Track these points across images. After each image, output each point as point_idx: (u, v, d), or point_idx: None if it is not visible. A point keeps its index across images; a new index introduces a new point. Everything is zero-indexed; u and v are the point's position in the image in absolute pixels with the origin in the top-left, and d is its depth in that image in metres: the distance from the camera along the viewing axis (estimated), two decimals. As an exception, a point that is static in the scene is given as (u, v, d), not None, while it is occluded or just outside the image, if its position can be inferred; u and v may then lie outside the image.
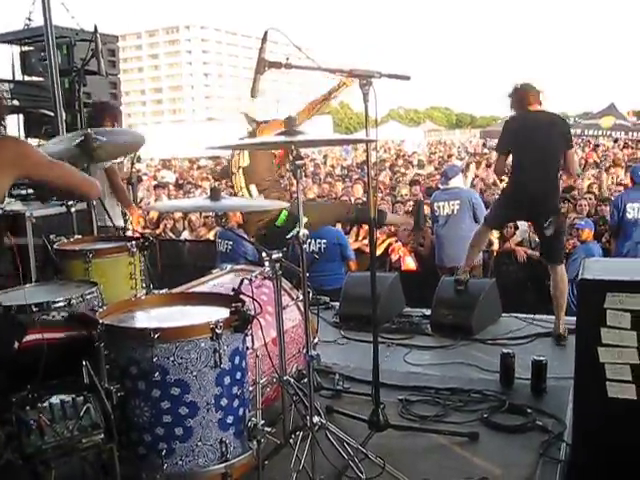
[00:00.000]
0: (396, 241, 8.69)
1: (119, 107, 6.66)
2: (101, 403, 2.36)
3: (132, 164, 5.86)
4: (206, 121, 70.98)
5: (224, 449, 2.56)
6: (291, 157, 2.94)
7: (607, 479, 3.00)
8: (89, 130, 4.06)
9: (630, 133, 19.15)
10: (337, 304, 6.03)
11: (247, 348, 2.73)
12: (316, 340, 3.79)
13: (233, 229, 7.29)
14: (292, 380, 3.25)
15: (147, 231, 10.15)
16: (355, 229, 9.21)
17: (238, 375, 2.63)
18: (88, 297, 3.08)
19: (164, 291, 3.28)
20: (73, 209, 4.43)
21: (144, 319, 2.81)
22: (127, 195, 6.01)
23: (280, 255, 3.06)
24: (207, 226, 10.47)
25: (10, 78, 6.94)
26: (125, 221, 5.09)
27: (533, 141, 5.08)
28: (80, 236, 4.16)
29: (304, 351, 3.17)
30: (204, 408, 2.52)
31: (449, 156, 23.52)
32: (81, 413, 2.31)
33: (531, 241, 8.27)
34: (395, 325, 5.65)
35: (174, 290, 3.40)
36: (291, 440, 3.06)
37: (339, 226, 9.35)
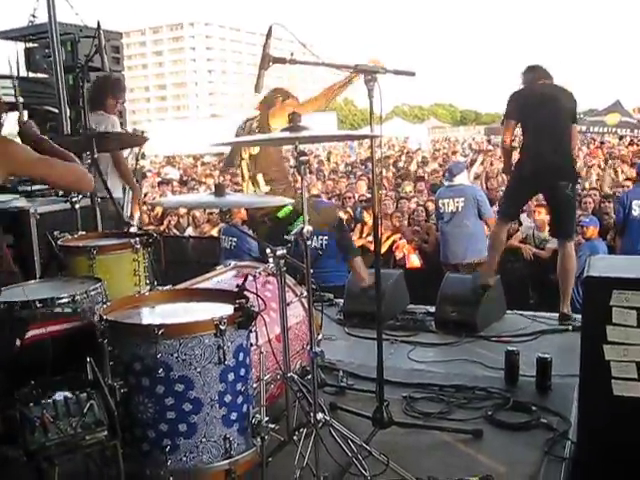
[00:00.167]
0: (400, 238, 8.68)
1: (123, 82, 6.62)
2: (104, 400, 2.35)
3: (136, 161, 5.86)
4: (210, 117, 70.99)
5: (228, 446, 2.55)
6: (295, 153, 2.93)
7: (612, 477, 2.99)
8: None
9: (636, 130, 19.05)
10: (341, 301, 6.02)
11: (251, 344, 2.72)
12: (320, 337, 3.79)
13: (237, 225, 7.28)
14: (296, 377, 3.24)
15: (151, 227, 10.17)
16: (359, 226, 9.21)
17: (242, 372, 2.62)
18: (92, 293, 3.07)
19: (168, 287, 3.28)
20: (77, 205, 4.43)
21: (148, 315, 2.80)
22: (132, 177, 6.00)
23: (284, 252, 3.05)
24: (211, 222, 10.47)
25: (15, 75, 6.96)
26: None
27: (542, 109, 5.07)
28: (84, 232, 4.17)
29: (308, 348, 3.16)
30: (208, 404, 2.51)
31: (453, 153, 23.50)
32: (85, 410, 2.31)
33: (535, 238, 8.25)
34: (399, 322, 5.64)
35: (178, 286, 3.39)
36: (295, 437, 3.06)
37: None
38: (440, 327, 5.50)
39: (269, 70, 3.34)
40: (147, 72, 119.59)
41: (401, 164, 19.09)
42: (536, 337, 5.15)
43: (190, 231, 10.60)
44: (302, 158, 2.92)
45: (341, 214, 9.54)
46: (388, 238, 8.62)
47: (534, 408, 3.84)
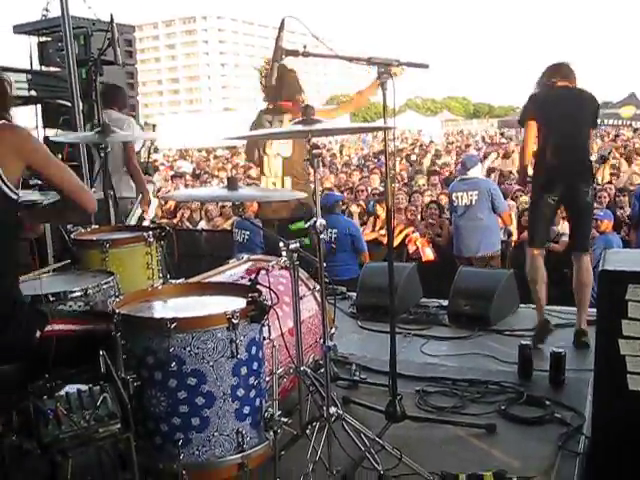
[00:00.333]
0: (413, 232, 8.66)
1: (125, 94, 6.63)
2: (118, 393, 2.36)
3: (149, 154, 5.88)
4: (223, 111, 70.99)
5: (240, 439, 2.55)
6: (308, 146, 2.92)
7: (627, 473, 2.96)
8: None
9: (651, 123, 18.93)
10: (354, 294, 6.01)
11: (264, 338, 2.71)
12: (333, 330, 3.78)
13: (250, 219, 7.28)
14: (309, 370, 3.25)
15: (164, 221, 10.19)
16: (372, 219, 9.19)
17: (255, 365, 2.62)
18: (105, 287, 3.09)
19: (181, 281, 3.28)
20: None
21: (161, 309, 2.80)
22: (143, 180, 6.03)
23: (297, 245, 3.05)
24: (224, 216, 10.48)
25: (28, 68, 6.98)
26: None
27: (563, 110, 4.85)
28: (97, 226, 4.17)
29: (321, 341, 3.16)
30: (221, 398, 2.51)
31: (467, 146, 23.42)
32: (98, 403, 2.32)
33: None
34: (412, 316, 5.63)
35: (191, 280, 3.39)
36: (307, 431, 3.05)
37: (356, 217, 9.35)
38: (453, 321, 5.49)
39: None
40: (160, 66, 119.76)
41: (414, 157, 19.04)
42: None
43: (203, 224, 10.61)
44: (315, 151, 2.91)
45: (353, 207, 9.55)
46: (401, 231, 8.60)
47: (548, 403, 3.82)
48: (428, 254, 8.36)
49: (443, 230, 8.67)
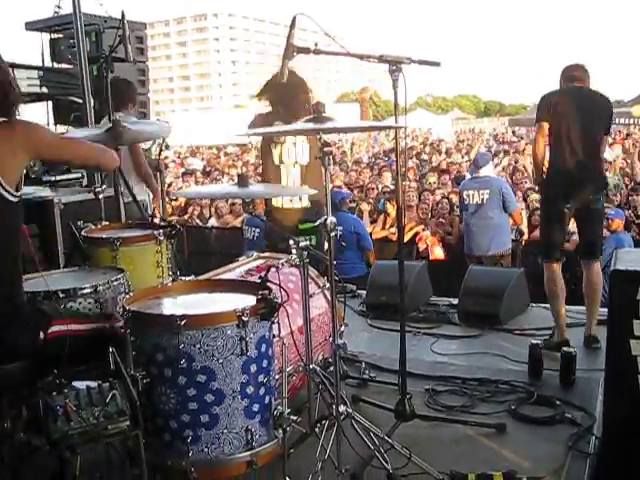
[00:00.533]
0: (423, 230, 8.64)
1: (134, 89, 6.60)
2: (127, 390, 2.36)
3: (160, 151, 5.87)
4: (234, 108, 71.03)
5: (249, 437, 2.55)
6: (319, 144, 2.91)
7: (637, 474, 2.94)
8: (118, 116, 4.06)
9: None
10: (364, 292, 6.00)
11: (273, 336, 2.71)
12: (342, 328, 3.77)
13: (260, 216, 7.28)
14: (318, 369, 3.24)
15: (174, 218, 10.20)
16: (382, 217, 9.17)
17: (264, 363, 2.62)
18: (115, 284, 3.08)
19: (191, 278, 3.28)
20: (101, 196, 4.44)
21: (170, 306, 2.81)
22: (153, 179, 6.00)
23: (307, 243, 3.04)
24: (234, 213, 10.48)
25: (40, 65, 7.01)
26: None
27: (578, 116, 4.76)
28: (107, 222, 4.18)
29: (330, 339, 3.15)
30: (230, 396, 2.51)
31: (470, 147, 23.26)
32: (107, 399, 2.32)
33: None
34: (422, 314, 5.62)
35: (201, 277, 3.40)
36: (317, 429, 3.05)
37: (366, 215, 9.33)
38: (463, 319, 5.48)
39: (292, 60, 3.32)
40: (171, 63, 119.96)
41: (424, 156, 18.98)
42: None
43: (213, 222, 10.62)
44: (326, 149, 2.91)
45: (364, 205, 9.51)
46: (411, 229, 8.58)
47: (558, 403, 3.81)
48: (437, 253, 8.34)
49: (454, 228, 8.65)
